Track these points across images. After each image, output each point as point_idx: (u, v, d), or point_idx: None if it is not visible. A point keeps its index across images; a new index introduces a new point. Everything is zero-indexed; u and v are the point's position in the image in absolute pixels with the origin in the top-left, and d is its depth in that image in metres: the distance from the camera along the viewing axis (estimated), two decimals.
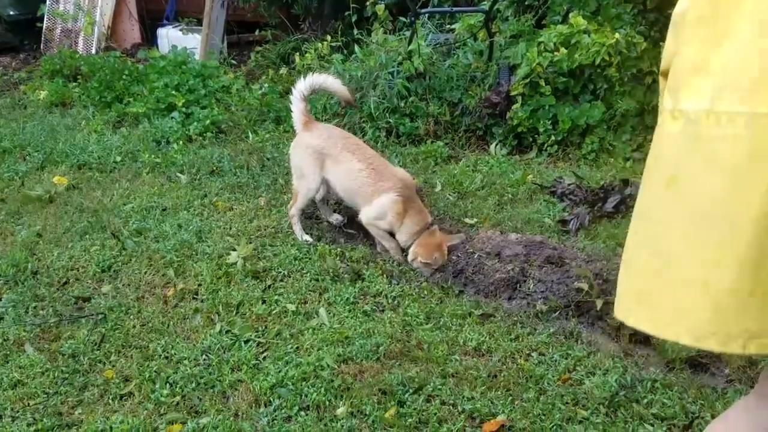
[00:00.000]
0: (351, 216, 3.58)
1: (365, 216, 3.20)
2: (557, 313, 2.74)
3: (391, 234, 3.19)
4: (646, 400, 2.23)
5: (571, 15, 4.30)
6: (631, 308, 1.11)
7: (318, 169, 3.24)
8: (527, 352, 2.50)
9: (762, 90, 0.94)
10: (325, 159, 3.23)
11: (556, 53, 4.16)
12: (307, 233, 3.34)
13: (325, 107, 4.70)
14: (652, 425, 2.12)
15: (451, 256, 3.14)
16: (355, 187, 3.19)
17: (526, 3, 4.74)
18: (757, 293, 0.96)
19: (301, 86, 3.32)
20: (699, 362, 2.44)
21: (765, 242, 0.94)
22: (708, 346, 1.01)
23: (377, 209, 3.15)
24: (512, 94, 4.27)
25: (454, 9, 4.97)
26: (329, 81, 3.39)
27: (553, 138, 4.24)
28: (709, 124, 0.98)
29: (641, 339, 2.59)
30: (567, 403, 2.23)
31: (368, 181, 3.15)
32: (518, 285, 2.91)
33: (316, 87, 3.36)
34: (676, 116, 1.03)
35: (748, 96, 0.95)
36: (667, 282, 1.04)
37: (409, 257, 3.13)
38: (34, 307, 2.78)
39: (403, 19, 5.04)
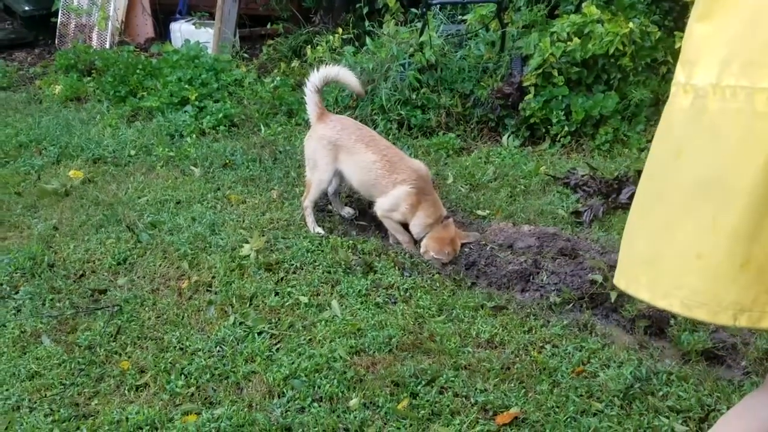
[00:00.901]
0: (362, 208, 3.58)
1: (380, 208, 3.20)
2: (571, 305, 2.72)
3: (405, 226, 3.19)
4: (661, 393, 2.22)
5: (584, 4, 4.26)
6: (634, 277, 1.14)
7: (331, 161, 3.24)
8: (540, 344, 2.49)
9: (764, 65, 0.96)
10: (339, 151, 3.24)
11: (569, 43, 4.12)
12: (319, 225, 3.34)
13: (336, 99, 4.70)
14: (667, 418, 2.11)
15: (463, 248, 3.13)
16: (370, 179, 3.19)
17: None
18: (750, 266, 0.98)
19: (315, 78, 3.31)
20: (715, 354, 2.42)
21: (759, 215, 0.96)
22: (698, 316, 1.03)
23: (391, 201, 3.15)
24: (525, 84, 4.24)
25: (466, 0, 4.94)
26: (342, 73, 3.38)
27: (566, 129, 4.20)
28: (715, 98, 1.01)
29: (656, 331, 2.57)
30: (581, 395, 2.22)
31: (383, 173, 3.14)
32: (531, 277, 2.90)
33: (329, 79, 3.36)
34: (687, 90, 1.06)
35: (750, 70, 0.97)
36: (668, 252, 1.07)
37: (421, 249, 3.13)
38: (51, 300, 2.81)
39: (414, 10, 5.01)
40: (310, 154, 3.33)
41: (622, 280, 1.17)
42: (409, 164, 3.20)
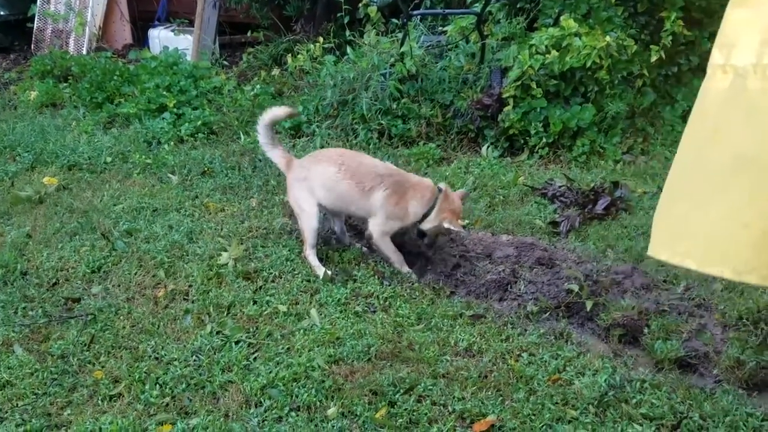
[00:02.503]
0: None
1: (375, 232, 3.06)
2: (547, 314, 2.75)
3: (406, 229, 3.12)
4: (635, 400, 2.24)
5: (562, 18, 4.32)
6: (677, 248, 1.22)
7: (310, 195, 3.10)
8: (518, 352, 2.51)
9: None
10: (310, 183, 3.11)
11: (547, 56, 4.18)
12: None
13: (317, 108, 4.70)
14: (640, 425, 2.13)
15: (443, 254, 3.15)
16: (341, 192, 3.06)
17: (518, 5, 4.76)
18: None
19: (264, 138, 3.23)
20: (688, 363, 2.46)
21: None
22: (750, 280, 1.12)
23: (382, 213, 3.02)
24: (504, 96, 4.28)
25: (446, 11, 4.98)
26: (270, 114, 3.25)
27: (544, 140, 4.25)
28: (756, 77, 1.07)
29: (630, 339, 2.61)
30: (557, 403, 2.24)
31: (350, 182, 3.03)
32: (509, 286, 2.92)
33: (268, 124, 3.23)
34: (726, 71, 1.12)
35: None
36: (714, 224, 1.15)
37: (426, 225, 3.03)
38: (24, 308, 2.76)
39: (395, 20, 5.05)
40: (293, 202, 3.19)
41: (663, 251, 1.24)
42: (371, 165, 3.11)
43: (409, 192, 3.04)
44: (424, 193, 3.05)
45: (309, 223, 3.10)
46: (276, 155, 3.26)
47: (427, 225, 3.06)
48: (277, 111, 3.29)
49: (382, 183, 3.03)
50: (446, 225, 2.99)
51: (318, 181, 3.10)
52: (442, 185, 3.09)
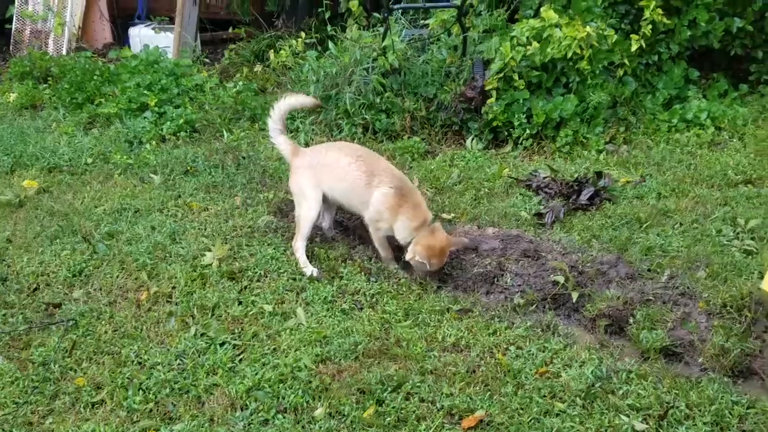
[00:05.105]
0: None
1: (368, 221, 3.06)
2: (534, 306, 2.75)
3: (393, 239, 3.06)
4: (621, 391, 2.24)
5: (542, 9, 4.31)
6: None
7: (315, 185, 3.09)
8: (505, 346, 2.51)
9: None
10: (318, 171, 3.10)
11: (528, 47, 4.17)
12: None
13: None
14: (627, 416, 2.13)
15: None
16: (348, 183, 3.05)
17: None
18: None
19: (274, 122, 3.23)
20: (673, 352, 2.46)
21: None
22: None
23: (373, 210, 3.00)
24: (487, 88, 4.27)
25: (427, 5, 4.95)
26: (293, 99, 3.29)
27: (527, 132, 4.25)
28: None
29: (616, 330, 2.61)
30: (544, 396, 2.24)
31: (359, 175, 3.01)
32: (495, 279, 2.92)
33: (284, 112, 3.26)
34: None
35: None
36: None
37: (407, 255, 2.95)
38: (3, 315, 2.71)
39: (377, 14, 5.02)
40: (296, 189, 3.18)
41: None
42: (386, 166, 3.08)
43: (404, 207, 2.95)
44: (415, 217, 2.93)
45: (308, 213, 3.09)
46: (281, 141, 3.27)
47: (407, 255, 2.94)
48: (303, 99, 3.36)
49: (391, 182, 2.98)
50: (418, 258, 2.85)
51: (329, 167, 3.10)
52: (437, 224, 2.99)
